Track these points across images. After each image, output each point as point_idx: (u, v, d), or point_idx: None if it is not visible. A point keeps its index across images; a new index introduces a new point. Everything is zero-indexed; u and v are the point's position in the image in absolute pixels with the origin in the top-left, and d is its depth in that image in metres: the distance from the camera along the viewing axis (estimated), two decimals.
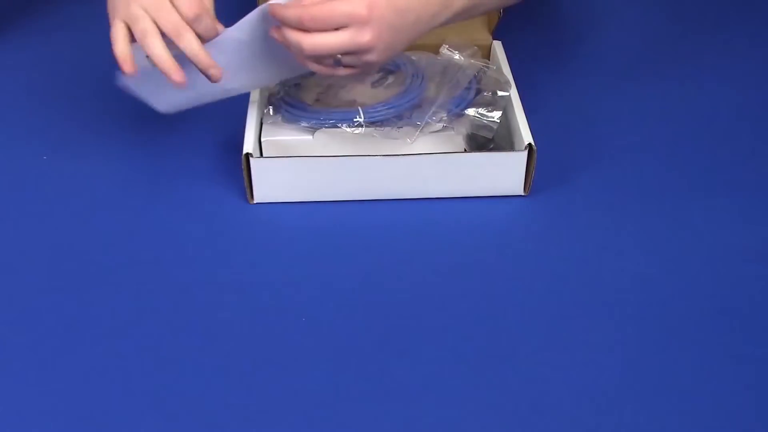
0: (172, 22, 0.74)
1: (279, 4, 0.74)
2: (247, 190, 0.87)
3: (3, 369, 0.71)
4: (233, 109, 0.95)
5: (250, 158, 0.84)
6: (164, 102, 0.85)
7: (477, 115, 0.87)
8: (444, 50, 0.97)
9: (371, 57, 0.75)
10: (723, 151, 0.95)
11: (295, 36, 0.74)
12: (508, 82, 0.91)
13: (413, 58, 0.93)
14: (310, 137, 0.87)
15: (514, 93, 0.91)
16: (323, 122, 0.86)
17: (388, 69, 0.93)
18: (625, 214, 0.87)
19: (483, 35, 1.00)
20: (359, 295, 0.78)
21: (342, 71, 0.78)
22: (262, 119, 0.90)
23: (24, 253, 0.82)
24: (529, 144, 0.84)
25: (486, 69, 0.91)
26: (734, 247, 0.83)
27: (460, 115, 0.87)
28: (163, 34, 0.74)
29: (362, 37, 0.73)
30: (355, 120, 0.85)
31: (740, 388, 0.71)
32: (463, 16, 0.79)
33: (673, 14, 1.18)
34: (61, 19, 1.17)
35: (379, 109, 0.86)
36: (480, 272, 0.81)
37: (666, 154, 0.94)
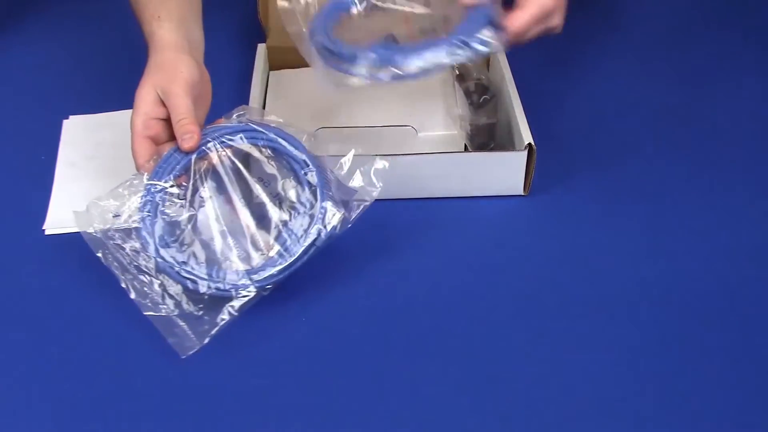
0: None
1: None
2: None
3: None
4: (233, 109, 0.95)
5: None
6: None
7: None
8: None
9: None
10: (724, 150, 0.95)
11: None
12: None
13: None
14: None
15: (514, 93, 0.91)
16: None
17: None
18: (625, 214, 0.87)
19: None
20: (359, 294, 0.78)
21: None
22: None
23: (24, 251, 0.83)
24: (529, 144, 0.84)
25: None
26: (735, 246, 0.83)
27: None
28: None
29: (549, 3, 0.76)
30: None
31: (740, 388, 0.71)
32: None
33: (673, 14, 1.18)
34: (64, 19, 1.17)
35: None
36: (480, 272, 0.80)
37: (666, 154, 0.94)
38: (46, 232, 0.84)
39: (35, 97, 1.03)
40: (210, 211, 0.76)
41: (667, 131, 0.98)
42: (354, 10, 0.80)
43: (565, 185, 0.90)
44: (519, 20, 0.75)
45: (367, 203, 0.76)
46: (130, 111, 0.97)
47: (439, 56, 0.74)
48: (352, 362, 0.73)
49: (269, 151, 0.77)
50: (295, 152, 0.77)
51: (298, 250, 0.74)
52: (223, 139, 0.76)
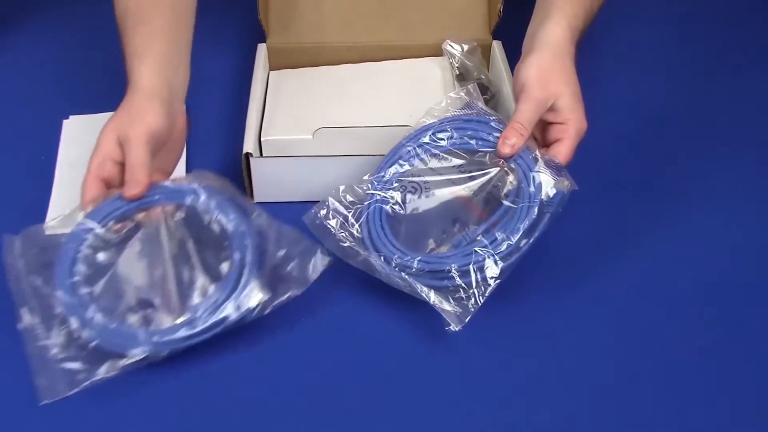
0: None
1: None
2: (247, 190, 0.87)
3: None
4: (233, 109, 0.95)
5: (250, 158, 0.84)
6: None
7: None
8: (446, 46, 0.97)
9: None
10: (724, 151, 0.95)
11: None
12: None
13: None
14: (310, 137, 0.87)
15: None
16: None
17: None
18: (626, 213, 0.87)
19: (483, 35, 1.00)
20: (358, 293, 0.78)
21: None
22: (262, 119, 0.90)
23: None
24: None
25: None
26: (736, 247, 0.83)
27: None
28: None
29: (583, 125, 0.77)
30: None
31: (741, 393, 0.71)
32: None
33: (673, 15, 1.18)
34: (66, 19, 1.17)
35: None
36: None
37: (666, 154, 0.94)
38: (46, 233, 0.84)
39: (35, 97, 1.03)
40: (133, 263, 0.73)
41: (667, 131, 0.98)
42: (390, 210, 0.77)
43: (577, 190, 0.89)
44: (564, 153, 0.75)
45: (296, 293, 0.73)
46: None
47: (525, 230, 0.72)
48: (350, 362, 0.73)
49: (213, 218, 0.75)
50: (236, 224, 0.74)
51: (206, 323, 0.71)
52: (171, 197, 0.75)
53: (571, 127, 0.76)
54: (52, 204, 0.87)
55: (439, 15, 1.00)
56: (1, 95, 1.03)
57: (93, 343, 0.69)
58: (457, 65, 0.96)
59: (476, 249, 0.71)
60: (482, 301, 0.71)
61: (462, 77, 0.96)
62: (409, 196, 0.78)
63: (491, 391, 0.71)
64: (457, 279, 0.71)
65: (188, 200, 0.75)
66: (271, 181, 0.86)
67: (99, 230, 0.73)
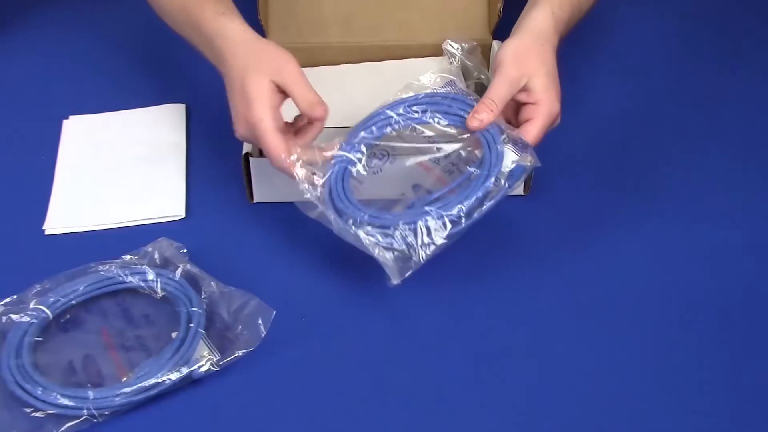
0: None
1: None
2: (247, 190, 0.87)
3: None
4: None
5: (250, 158, 0.84)
6: None
7: None
8: (446, 46, 0.97)
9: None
10: (724, 150, 0.95)
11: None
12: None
13: None
14: None
15: None
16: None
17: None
18: (626, 214, 0.87)
19: (483, 35, 1.00)
20: (358, 294, 0.78)
21: None
22: None
23: (24, 251, 0.83)
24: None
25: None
26: (736, 246, 0.83)
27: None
28: None
29: (555, 108, 0.78)
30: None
31: (741, 391, 0.71)
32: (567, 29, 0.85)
33: (674, 15, 1.17)
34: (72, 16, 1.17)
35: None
36: (479, 272, 0.81)
37: (666, 152, 0.94)
38: (46, 232, 0.84)
39: (35, 97, 1.03)
40: (79, 343, 0.73)
41: (666, 129, 0.98)
42: (354, 172, 0.78)
43: (565, 185, 0.90)
44: (533, 133, 0.76)
45: (243, 352, 0.71)
46: (130, 111, 0.98)
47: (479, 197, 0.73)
48: (351, 362, 0.73)
49: (160, 293, 0.75)
50: (187, 293, 0.75)
51: (149, 381, 0.68)
52: (118, 281, 0.76)
53: (542, 108, 0.77)
54: (52, 204, 0.87)
55: (439, 15, 1.00)
56: (1, 95, 1.03)
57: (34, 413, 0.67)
58: (457, 65, 0.96)
59: (426, 208, 0.73)
60: (425, 258, 0.72)
61: (462, 77, 0.96)
62: (374, 161, 0.80)
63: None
64: (404, 235, 0.72)
65: (138, 281, 0.76)
66: (271, 181, 0.86)
67: (48, 315, 0.73)
